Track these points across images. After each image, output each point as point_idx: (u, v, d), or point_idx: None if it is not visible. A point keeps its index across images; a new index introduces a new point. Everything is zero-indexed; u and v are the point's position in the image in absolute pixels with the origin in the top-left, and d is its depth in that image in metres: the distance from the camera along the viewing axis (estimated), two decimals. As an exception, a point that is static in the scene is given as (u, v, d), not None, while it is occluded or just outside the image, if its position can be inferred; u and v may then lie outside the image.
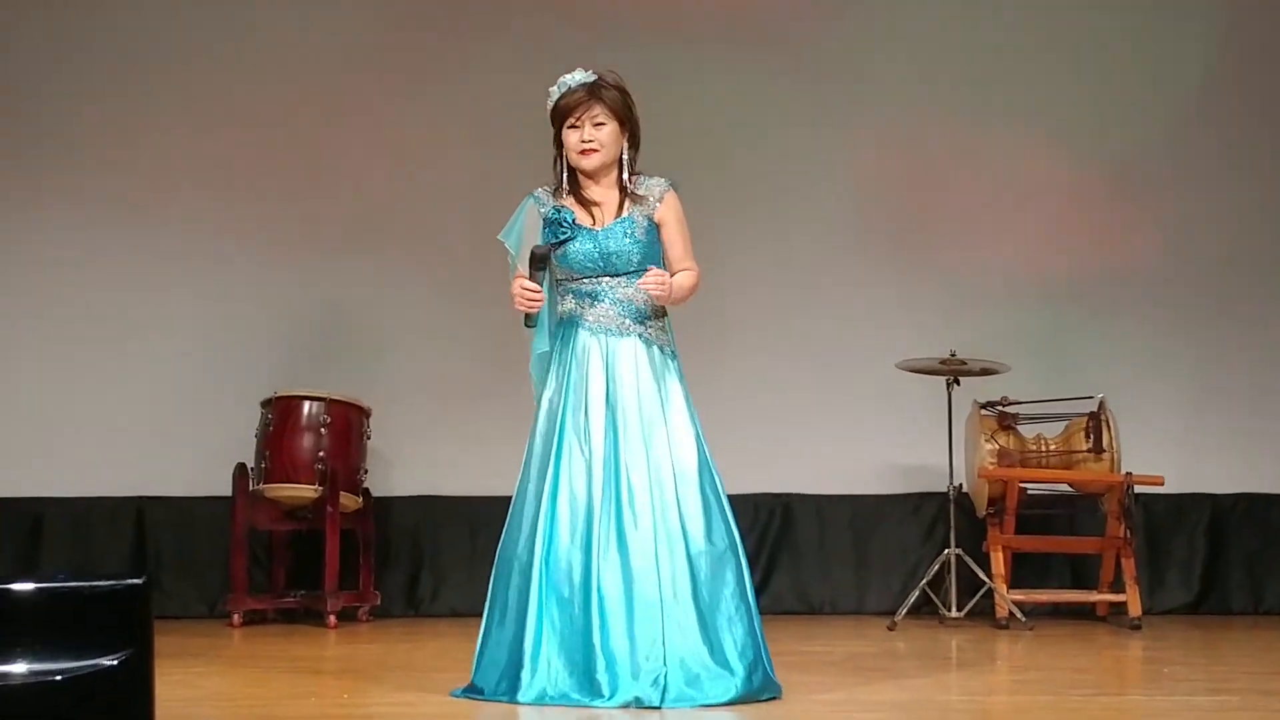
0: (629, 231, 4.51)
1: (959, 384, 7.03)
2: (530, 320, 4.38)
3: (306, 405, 6.96)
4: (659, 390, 4.47)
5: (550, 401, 4.49)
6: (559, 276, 4.52)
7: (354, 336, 7.54)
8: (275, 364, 7.38)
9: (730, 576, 4.41)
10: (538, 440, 4.48)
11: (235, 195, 7.49)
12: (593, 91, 4.49)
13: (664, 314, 4.57)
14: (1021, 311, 7.61)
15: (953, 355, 7.03)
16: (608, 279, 4.51)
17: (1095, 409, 7.02)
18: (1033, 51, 7.54)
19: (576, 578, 4.29)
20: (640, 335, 4.51)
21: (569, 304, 4.52)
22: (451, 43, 7.51)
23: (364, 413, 7.17)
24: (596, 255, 4.50)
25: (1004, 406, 7.12)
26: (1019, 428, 7.15)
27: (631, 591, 4.28)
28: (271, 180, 7.49)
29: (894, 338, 7.40)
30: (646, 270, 4.45)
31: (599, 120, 4.49)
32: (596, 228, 4.50)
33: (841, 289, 7.61)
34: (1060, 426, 7.21)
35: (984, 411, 7.14)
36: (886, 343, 7.38)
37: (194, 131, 7.45)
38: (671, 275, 4.51)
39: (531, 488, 4.45)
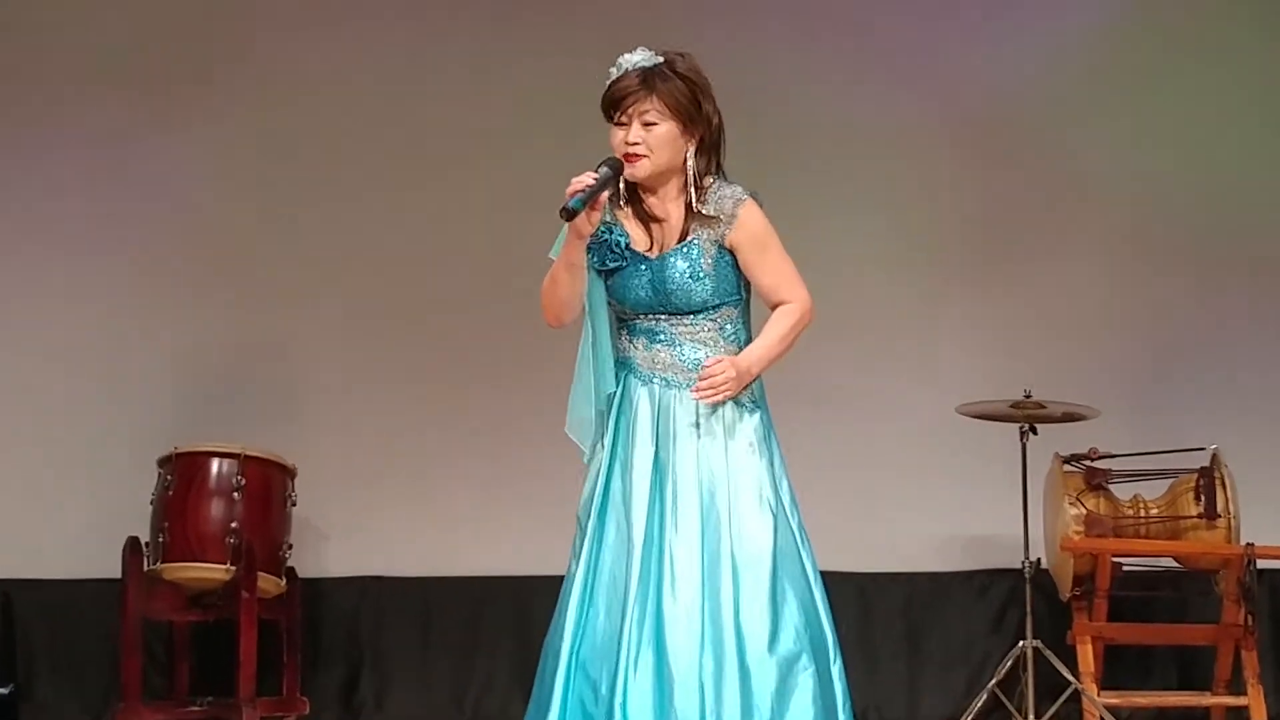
0: (690, 262, 4.33)
1: (1035, 433, 6.73)
2: (570, 211, 4.14)
3: (215, 464, 6.76)
4: (726, 455, 4.35)
5: (596, 464, 4.42)
6: (614, 312, 4.42)
7: (275, 378, 7.48)
8: (177, 414, 7.33)
9: (804, 692, 4.26)
10: (580, 509, 4.43)
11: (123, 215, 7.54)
12: (648, 80, 4.28)
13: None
14: (1114, 343, 7.51)
15: (1028, 396, 6.72)
16: (665, 317, 4.38)
17: (1207, 464, 6.83)
18: (1141, 70, 7.52)
19: (603, 688, 4.24)
20: None
21: (623, 342, 4.43)
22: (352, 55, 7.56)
23: (287, 473, 6.90)
24: (651, 291, 4.35)
25: (1093, 461, 6.85)
26: (1111, 487, 6.90)
27: (666, 709, 4.21)
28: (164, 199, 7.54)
29: (954, 374, 7.32)
30: (718, 309, 4.34)
31: (650, 119, 4.29)
32: (653, 254, 4.34)
33: (885, 310, 7.49)
34: (1163, 486, 6.99)
35: (1068, 467, 6.89)
36: (944, 380, 7.28)
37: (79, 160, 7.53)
38: (772, 305, 4.35)
39: (574, 566, 4.40)
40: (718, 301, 4.37)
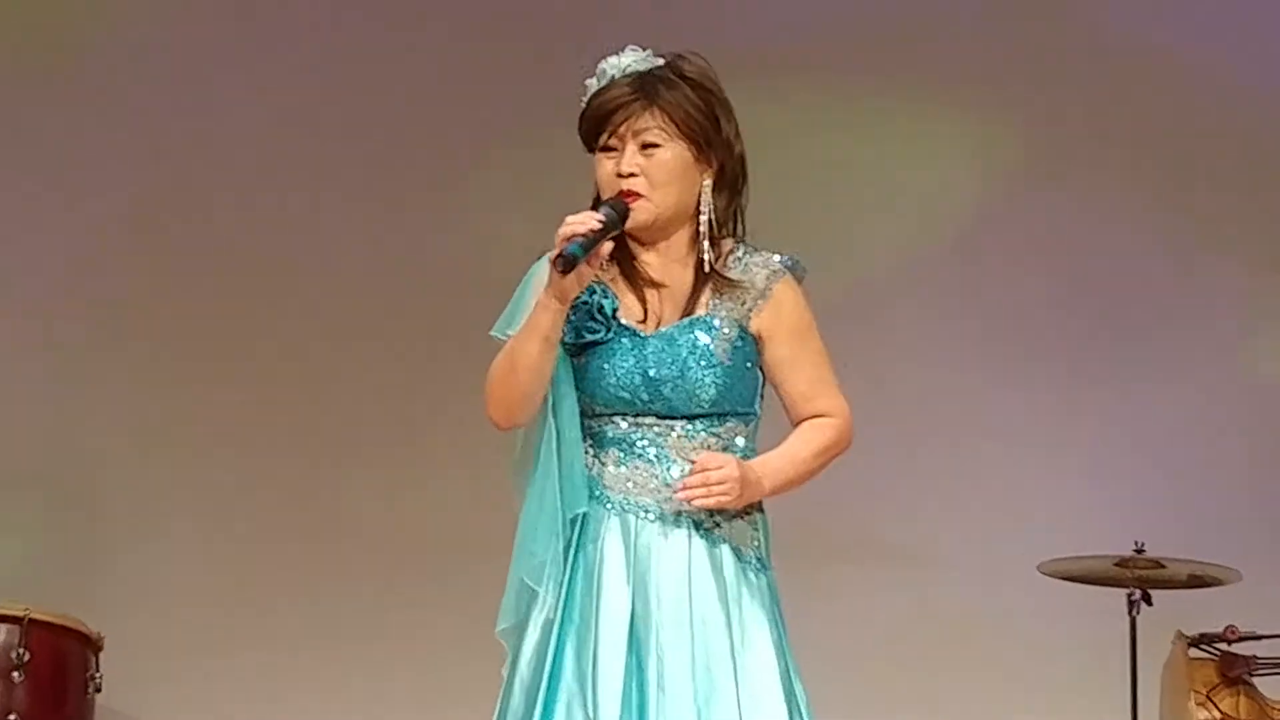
0: (701, 346, 4.05)
1: (1150, 603, 6.24)
2: (568, 260, 3.86)
3: None
4: (729, 627, 4.06)
5: (542, 629, 4.09)
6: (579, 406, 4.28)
7: (76, 510, 7.02)
8: None
9: None
10: (515, 696, 4.07)
11: None
12: (645, 88, 4.03)
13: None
14: (1261, 480, 7.01)
15: (1140, 551, 6.23)
16: (654, 421, 4.06)
17: (1389, 650, 6.33)
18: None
19: None
20: (699, 524, 4.07)
21: (585, 456, 4.16)
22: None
23: (90, 644, 6.32)
24: (639, 380, 4.06)
25: (1230, 644, 6.21)
26: (1257, 681, 6.25)
27: None
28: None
29: (1039, 518, 6.85)
30: (724, 420, 4.05)
31: (651, 139, 4.01)
32: (647, 330, 4.06)
33: (946, 427, 7.06)
34: None
35: (1195, 652, 6.26)
36: (1025, 528, 6.83)
37: None
38: (800, 419, 4.12)
39: None
40: (726, 408, 4.05)
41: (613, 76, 4.10)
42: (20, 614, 6.10)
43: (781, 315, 4.10)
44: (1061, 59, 7.38)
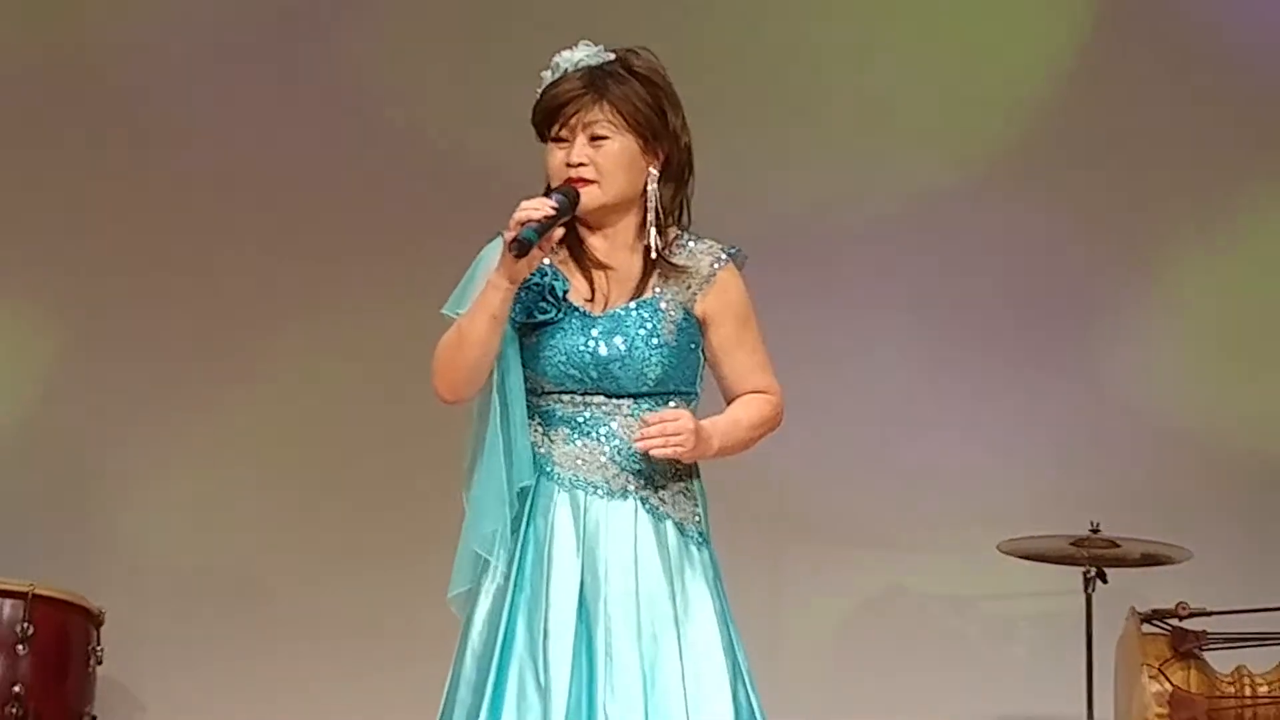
0: (648, 326, 4.17)
1: (1105, 580, 6.36)
2: (523, 244, 3.96)
3: None
4: (674, 598, 4.18)
5: (493, 599, 4.18)
6: (526, 386, 4.28)
7: (78, 492, 7.11)
8: None
9: None
10: (467, 664, 4.17)
11: None
12: (596, 82, 4.15)
13: (691, 471, 4.26)
14: (1212, 462, 7.08)
15: (1095, 531, 6.33)
16: (602, 400, 4.17)
17: (1335, 626, 6.57)
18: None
19: None
20: (644, 500, 4.18)
21: (533, 434, 4.23)
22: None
23: (92, 619, 6.47)
24: (588, 359, 4.16)
25: (1181, 620, 6.33)
26: (1207, 656, 6.38)
27: None
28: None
29: (995, 498, 6.95)
30: (668, 399, 4.16)
31: (600, 132, 4.14)
32: (595, 311, 4.18)
33: (904, 410, 7.12)
34: (1277, 655, 6.38)
35: (1148, 628, 6.39)
36: (983, 507, 6.90)
37: None
38: (736, 395, 4.24)
39: None
40: (671, 386, 4.17)
41: (565, 70, 4.22)
42: (25, 589, 6.27)
43: (724, 300, 4.21)
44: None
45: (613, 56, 4.22)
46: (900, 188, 7.39)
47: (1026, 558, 6.43)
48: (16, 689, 6.22)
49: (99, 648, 6.45)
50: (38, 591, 6.30)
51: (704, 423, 4.14)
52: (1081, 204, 7.36)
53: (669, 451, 4.10)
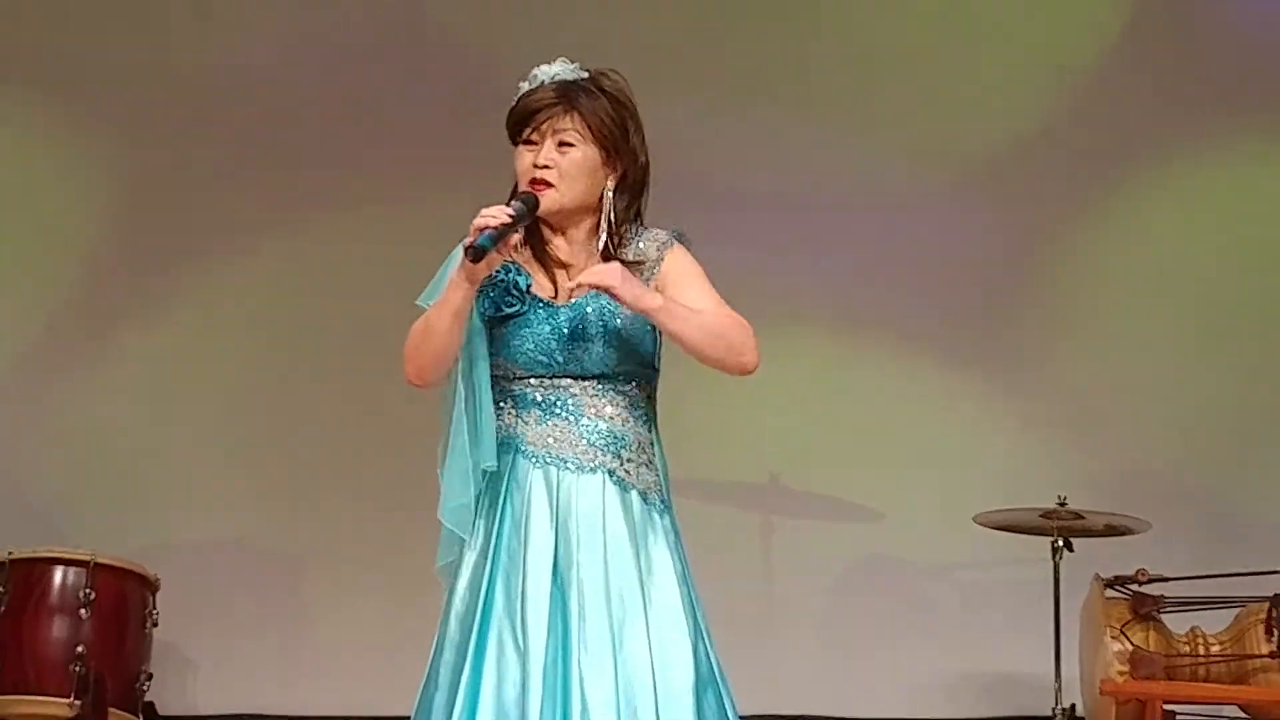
0: (607, 313, 4.29)
1: (1071, 549, 6.58)
2: (478, 250, 4.06)
3: (58, 574, 6.54)
4: (639, 561, 4.29)
5: (474, 568, 4.27)
6: (496, 373, 4.32)
7: (134, 470, 7.34)
8: (10, 512, 7.21)
9: None
10: (451, 626, 4.28)
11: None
12: (568, 95, 4.26)
13: (652, 444, 4.38)
14: (1169, 440, 7.38)
15: (1062, 504, 6.57)
16: (569, 383, 4.29)
17: (1281, 592, 6.80)
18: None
19: None
20: (611, 473, 4.30)
21: (505, 418, 4.31)
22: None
23: (148, 585, 6.69)
24: (554, 344, 4.27)
25: (1141, 585, 6.59)
26: (1164, 618, 6.63)
27: None
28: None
29: (970, 475, 7.20)
30: (630, 380, 4.27)
31: (567, 139, 4.25)
32: (558, 302, 4.30)
33: (887, 393, 7.36)
34: (1228, 617, 6.70)
35: (1110, 593, 6.64)
36: (959, 483, 7.15)
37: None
38: None
39: (440, 701, 4.24)
40: (631, 366, 4.31)
41: (542, 81, 4.34)
42: (87, 558, 6.52)
43: (674, 270, 4.34)
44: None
45: (586, 75, 4.34)
46: (891, 184, 7.45)
47: (1000, 529, 6.64)
48: (80, 649, 6.43)
49: (155, 611, 6.69)
50: (99, 560, 6.53)
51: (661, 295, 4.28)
52: (1056, 202, 7.50)
53: (613, 281, 4.13)
